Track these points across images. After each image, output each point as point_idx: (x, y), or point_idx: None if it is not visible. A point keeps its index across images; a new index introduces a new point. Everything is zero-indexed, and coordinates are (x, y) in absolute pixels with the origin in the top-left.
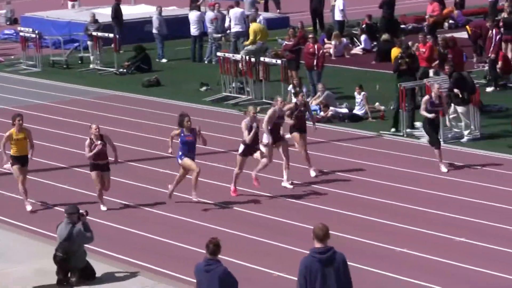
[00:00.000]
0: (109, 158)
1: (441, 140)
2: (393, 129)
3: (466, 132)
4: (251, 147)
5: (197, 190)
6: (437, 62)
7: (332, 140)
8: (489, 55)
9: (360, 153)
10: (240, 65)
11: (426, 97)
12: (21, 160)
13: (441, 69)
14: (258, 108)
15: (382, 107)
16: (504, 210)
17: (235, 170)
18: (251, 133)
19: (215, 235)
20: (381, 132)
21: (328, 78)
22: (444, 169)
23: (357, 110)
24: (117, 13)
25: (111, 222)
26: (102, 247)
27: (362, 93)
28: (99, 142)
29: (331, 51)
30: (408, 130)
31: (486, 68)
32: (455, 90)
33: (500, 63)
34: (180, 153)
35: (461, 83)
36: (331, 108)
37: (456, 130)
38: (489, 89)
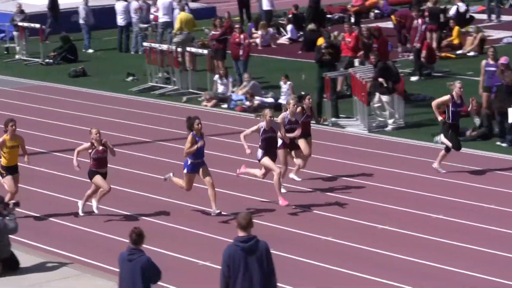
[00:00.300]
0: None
1: (365, 129)
2: None
3: (390, 121)
4: (271, 152)
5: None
6: (362, 52)
7: None
8: (414, 44)
9: None
10: (176, 56)
11: (448, 96)
12: (12, 171)
13: (366, 58)
14: (185, 98)
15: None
16: (429, 198)
17: (277, 172)
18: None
19: (142, 224)
20: None
21: (254, 68)
22: (440, 168)
23: (283, 100)
24: (53, 3)
25: (44, 215)
26: (33, 239)
27: (288, 82)
28: (100, 148)
29: (258, 41)
30: (333, 119)
31: (411, 57)
32: (380, 80)
33: (424, 52)
34: (189, 161)
35: (386, 72)
36: (256, 97)
37: (380, 119)
38: (413, 78)
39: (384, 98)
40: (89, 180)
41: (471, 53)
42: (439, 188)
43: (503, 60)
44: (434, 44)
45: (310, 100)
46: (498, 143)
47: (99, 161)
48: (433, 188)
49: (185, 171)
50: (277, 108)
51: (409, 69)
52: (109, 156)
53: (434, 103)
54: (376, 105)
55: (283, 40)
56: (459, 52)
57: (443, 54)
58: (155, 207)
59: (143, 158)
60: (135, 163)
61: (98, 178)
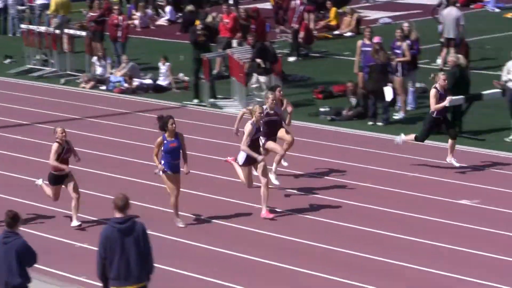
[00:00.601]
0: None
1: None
2: (195, 100)
3: None
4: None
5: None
6: (240, 33)
7: (137, 111)
8: (292, 25)
9: None
10: (54, 38)
11: (434, 90)
12: None
13: (244, 39)
14: (63, 80)
15: (186, 78)
16: (305, 176)
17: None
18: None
19: (18, 207)
20: (184, 102)
21: (133, 50)
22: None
23: (161, 81)
24: None
25: None
26: None
27: (167, 64)
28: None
29: (136, 22)
30: (211, 100)
31: (289, 38)
32: (258, 60)
33: (302, 33)
34: (162, 162)
35: (264, 53)
36: (135, 79)
37: (258, 99)
38: (291, 59)
39: (262, 78)
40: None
41: (348, 34)
42: (318, 168)
43: (376, 39)
44: (312, 25)
45: (281, 92)
46: (370, 123)
47: (62, 162)
48: (312, 168)
49: (161, 173)
50: (156, 89)
51: (286, 50)
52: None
53: (433, 108)
54: (254, 85)
55: (162, 21)
56: (336, 32)
57: (320, 35)
58: (30, 191)
59: (23, 141)
60: (15, 146)
61: (53, 189)
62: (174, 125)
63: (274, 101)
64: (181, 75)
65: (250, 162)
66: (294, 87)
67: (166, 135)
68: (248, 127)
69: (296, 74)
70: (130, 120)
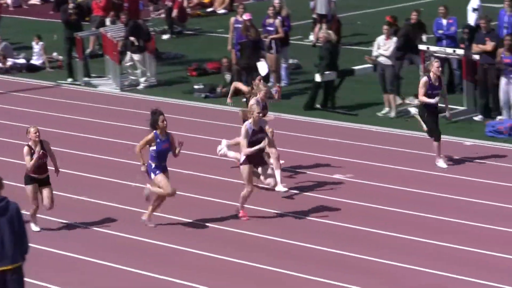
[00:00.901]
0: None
1: (118, 88)
2: (69, 79)
3: (142, 80)
4: (258, 156)
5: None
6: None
7: (11, 91)
8: (166, 3)
9: (38, 103)
10: None
11: (425, 78)
12: None
13: (117, 18)
14: None
15: (60, 57)
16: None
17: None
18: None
19: None
20: (58, 81)
21: (6, 29)
22: (443, 164)
23: (35, 60)
24: None
25: None
26: None
27: (40, 43)
28: (38, 149)
29: (9, 1)
30: (85, 79)
31: (163, 16)
32: (131, 38)
33: (175, 11)
34: (153, 165)
35: (137, 31)
36: (9, 59)
37: (132, 77)
38: (165, 37)
39: (136, 56)
40: None
41: (222, 11)
42: (201, 146)
43: (246, 16)
44: (185, 3)
45: (261, 81)
46: (244, 100)
47: (38, 166)
48: (194, 147)
49: (153, 176)
50: (30, 69)
51: (160, 28)
52: None
53: (419, 97)
54: (128, 63)
55: (35, 0)
56: (209, 10)
57: (193, 12)
58: None
59: None
60: None
61: (30, 189)
62: (165, 122)
63: (267, 94)
64: (55, 54)
65: (251, 160)
66: (168, 65)
67: (158, 132)
68: (243, 129)
69: (170, 51)
70: (4, 100)
